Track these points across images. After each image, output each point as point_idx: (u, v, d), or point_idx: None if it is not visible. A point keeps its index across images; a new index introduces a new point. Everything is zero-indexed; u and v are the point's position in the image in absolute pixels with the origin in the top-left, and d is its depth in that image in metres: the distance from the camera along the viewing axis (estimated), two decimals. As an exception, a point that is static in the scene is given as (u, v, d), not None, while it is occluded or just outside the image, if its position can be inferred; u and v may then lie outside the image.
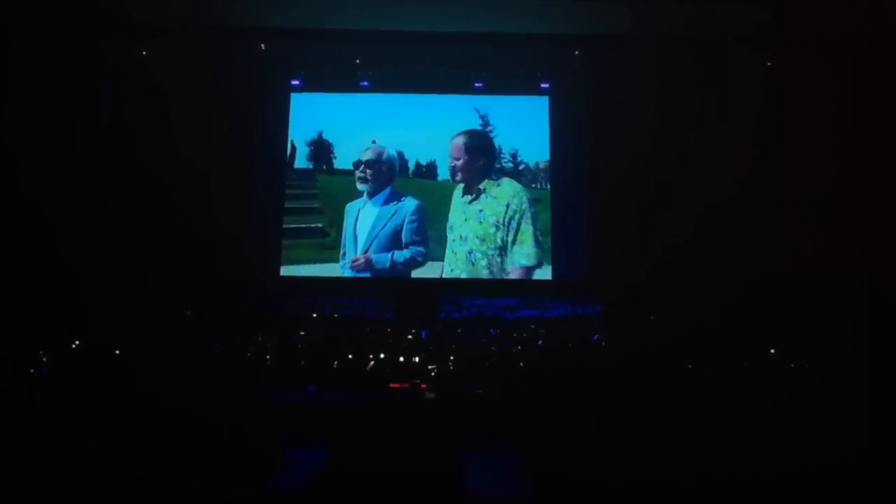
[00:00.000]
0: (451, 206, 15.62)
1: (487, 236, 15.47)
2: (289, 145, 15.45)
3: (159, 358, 8.94)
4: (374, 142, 15.59)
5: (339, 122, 15.64)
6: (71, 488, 5.00)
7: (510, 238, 15.62)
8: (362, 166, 15.60)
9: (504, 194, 15.79)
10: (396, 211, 15.71)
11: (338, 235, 15.40)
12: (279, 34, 13.63)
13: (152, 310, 11.59)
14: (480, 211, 15.59)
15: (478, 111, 15.59)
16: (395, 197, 15.72)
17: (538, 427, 7.06)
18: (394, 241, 15.36)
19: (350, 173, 15.68)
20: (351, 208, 15.51)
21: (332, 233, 15.50)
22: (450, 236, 15.54)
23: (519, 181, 15.65)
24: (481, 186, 15.47)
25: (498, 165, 15.91)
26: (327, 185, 15.78)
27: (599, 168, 14.30)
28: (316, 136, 15.65)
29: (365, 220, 15.70)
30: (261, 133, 14.66)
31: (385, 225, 15.68)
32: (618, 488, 5.16)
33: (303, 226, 15.59)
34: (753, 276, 12.48)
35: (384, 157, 15.80)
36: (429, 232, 15.57)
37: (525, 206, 15.61)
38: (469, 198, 15.59)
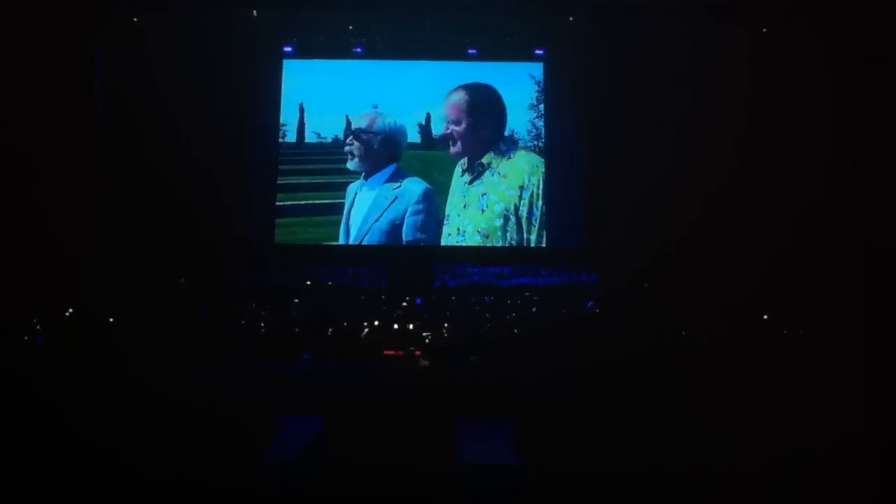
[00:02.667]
0: (451, 189, 14.00)
1: (492, 231, 13.79)
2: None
3: (153, 327, 8.94)
4: (375, 106, 14.41)
5: (330, 90, 14.63)
6: (62, 457, 5.02)
7: (526, 233, 13.80)
8: (350, 137, 14.04)
9: (517, 172, 13.89)
10: (397, 197, 13.70)
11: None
12: (271, 0, 13.48)
13: (146, 279, 11.56)
14: (483, 195, 13.84)
15: (532, 77, 14.67)
16: (397, 178, 13.86)
17: (532, 395, 7.10)
18: (391, 239, 13.80)
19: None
20: (349, 192, 14.12)
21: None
22: (445, 230, 13.91)
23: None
24: (484, 161, 13.96)
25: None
26: (323, 160, 14.63)
27: (594, 135, 14.22)
28: (310, 111, 14.59)
29: (360, 207, 13.87)
30: (254, 99, 14.53)
31: (381, 216, 13.61)
32: (610, 459, 5.19)
33: (291, 203, 14.33)
34: (748, 244, 12.48)
35: (377, 126, 13.99)
36: (443, 227, 13.78)
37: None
38: (469, 176, 13.90)
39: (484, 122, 13.99)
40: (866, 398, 5.83)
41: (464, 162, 14.04)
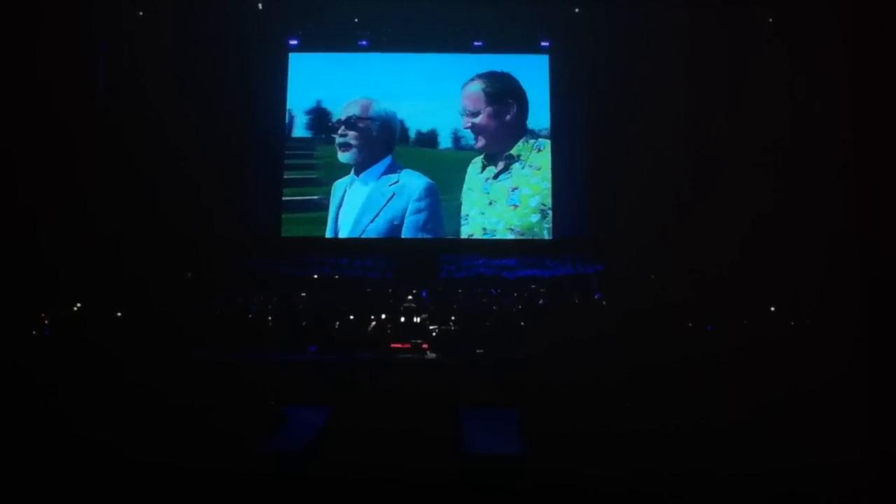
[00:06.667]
0: (465, 187, 13.21)
1: (527, 228, 13.18)
2: (286, 113, 14.28)
3: (159, 319, 8.98)
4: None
5: (335, 83, 14.23)
6: (69, 448, 5.05)
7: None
8: (342, 127, 13.13)
9: (550, 163, 13.31)
10: (395, 193, 12.75)
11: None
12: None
13: (152, 272, 11.59)
14: (514, 190, 13.20)
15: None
16: (393, 171, 12.92)
17: (538, 386, 7.12)
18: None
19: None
20: (336, 188, 13.28)
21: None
22: (464, 230, 13.17)
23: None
24: (514, 152, 13.35)
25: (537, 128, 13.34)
26: (327, 154, 13.91)
27: (599, 126, 14.17)
28: (314, 104, 14.15)
29: (351, 205, 12.86)
30: (260, 92, 14.51)
31: (377, 215, 12.65)
32: (614, 447, 5.21)
33: (299, 198, 13.70)
34: (755, 234, 12.44)
35: (372, 111, 13.19)
36: (445, 226, 12.89)
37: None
38: (494, 170, 13.22)
39: (504, 110, 13.31)
40: (869, 393, 5.83)
41: (483, 158, 13.48)
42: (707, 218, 12.76)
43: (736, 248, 12.17)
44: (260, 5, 13.65)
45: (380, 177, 12.84)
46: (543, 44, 14.74)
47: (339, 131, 12.97)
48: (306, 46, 14.72)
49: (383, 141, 13.12)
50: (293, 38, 14.68)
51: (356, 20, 14.44)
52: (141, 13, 13.45)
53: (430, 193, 12.78)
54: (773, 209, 12.58)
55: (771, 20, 13.24)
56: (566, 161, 14.37)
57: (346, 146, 12.97)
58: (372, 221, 12.58)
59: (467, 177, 13.28)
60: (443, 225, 13.12)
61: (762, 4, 13.16)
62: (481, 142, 13.25)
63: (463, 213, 13.10)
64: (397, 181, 12.79)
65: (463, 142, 13.64)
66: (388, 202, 12.72)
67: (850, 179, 11.59)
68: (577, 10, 13.89)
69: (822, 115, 12.03)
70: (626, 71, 13.67)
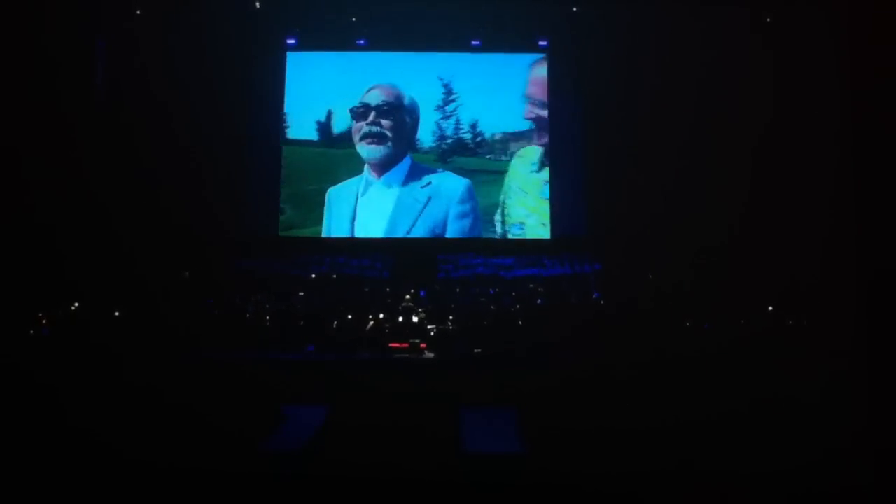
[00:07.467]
0: (512, 185, 11.89)
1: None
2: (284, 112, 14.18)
3: (156, 319, 8.97)
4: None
5: (329, 82, 13.91)
6: (69, 448, 5.05)
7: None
8: (372, 113, 11.38)
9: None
10: (431, 197, 11.20)
11: (294, 212, 12.84)
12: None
13: (149, 272, 11.56)
14: None
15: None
16: (420, 173, 11.28)
17: (536, 385, 7.13)
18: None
19: (311, 143, 12.20)
20: (341, 194, 11.82)
21: (287, 209, 13.04)
22: (511, 232, 12.13)
23: (475, 155, 11.97)
24: None
25: (457, 136, 11.76)
26: (289, 154, 13.54)
27: (597, 125, 14.15)
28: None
29: (371, 214, 11.31)
30: (257, 92, 14.47)
31: (415, 222, 11.08)
32: (613, 446, 5.22)
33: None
34: (753, 233, 12.46)
35: (406, 101, 11.58)
36: (508, 231, 11.57)
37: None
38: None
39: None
40: (869, 393, 5.84)
41: (535, 151, 12.57)
42: (705, 217, 12.77)
43: (734, 247, 12.19)
44: (258, 4, 13.61)
45: (405, 178, 11.34)
46: (541, 43, 14.71)
47: (370, 119, 11.24)
48: (304, 46, 14.67)
49: (411, 134, 11.67)
50: (291, 38, 14.62)
51: (354, 19, 14.39)
52: (138, 11, 13.41)
53: (472, 195, 11.37)
54: (771, 208, 12.60)
55: (769, 20, 13.25)
56: (564, 159, 14.35)
57: (377, 137, 11.35)
58: (410, 230, 11.03)
59: (511, 174, 12.04)
60: (481, 226, 11.81)
61: (761, 4, 13.16)
62: (545, 139, 12.05)
63: (513, 219, 11.74)
64: (429, 183, 11.29)
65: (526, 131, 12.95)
66: (424, 207, 11.25)
67: (848, 179, 11.66)
68: (574, 8, 13.86)
69: (819, 115, 12.06)
70: (625, 70, 13.67)
